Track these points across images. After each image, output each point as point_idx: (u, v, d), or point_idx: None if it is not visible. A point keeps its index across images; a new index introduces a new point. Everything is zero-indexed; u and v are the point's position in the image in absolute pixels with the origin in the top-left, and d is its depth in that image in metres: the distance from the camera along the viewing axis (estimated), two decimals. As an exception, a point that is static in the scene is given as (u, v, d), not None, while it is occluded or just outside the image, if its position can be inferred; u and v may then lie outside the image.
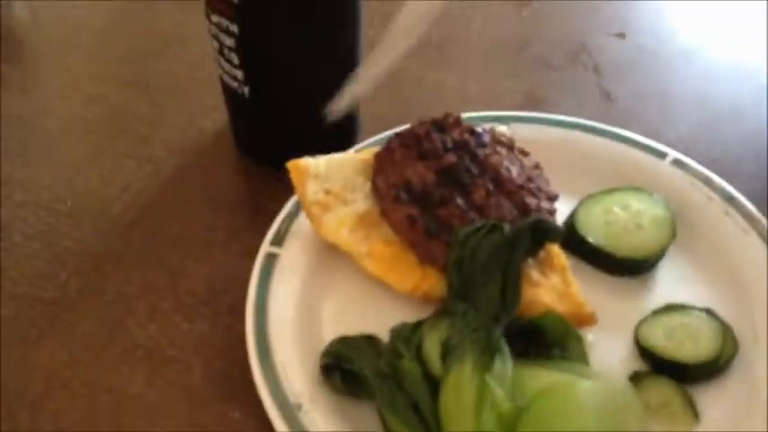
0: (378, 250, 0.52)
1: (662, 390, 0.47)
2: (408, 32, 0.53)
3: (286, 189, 0.55)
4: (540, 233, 0.50)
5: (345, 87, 0.56)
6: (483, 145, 0.55)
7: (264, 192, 0.61)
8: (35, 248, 0.59)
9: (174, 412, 0.49)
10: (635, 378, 0.48)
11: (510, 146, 0.57)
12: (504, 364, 0.44)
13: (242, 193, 0.65)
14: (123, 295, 0.56)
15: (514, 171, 0.54)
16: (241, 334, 0.50)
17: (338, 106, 0.56)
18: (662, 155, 0.60)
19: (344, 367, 0.47)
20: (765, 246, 0.53)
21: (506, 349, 0.45)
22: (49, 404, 0.49)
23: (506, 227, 0.49)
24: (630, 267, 0.53)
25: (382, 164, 0.55)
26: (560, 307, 0.49)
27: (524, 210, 0.53)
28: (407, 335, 0.47)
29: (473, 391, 0.43)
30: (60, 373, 0.51)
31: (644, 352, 0.49)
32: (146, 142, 0.67)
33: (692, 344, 0.48)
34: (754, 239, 0.54)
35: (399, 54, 0.54)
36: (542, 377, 0.44)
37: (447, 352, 0.45)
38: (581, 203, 0.56)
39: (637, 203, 0.55)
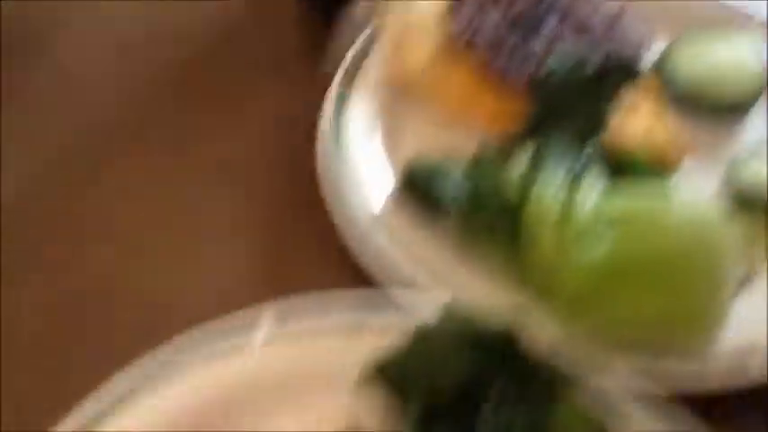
0: (457, 88, 0.50)
1: (754, 218, 0.45)
2: None
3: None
4: (626, 72, 0.48)
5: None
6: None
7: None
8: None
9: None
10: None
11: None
12: (592, 185, 0.42)
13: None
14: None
15: (596, 18, 0.52)
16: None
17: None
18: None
19: (419, 180, 0.45)
20: None
21: (595, 170, 0.43)
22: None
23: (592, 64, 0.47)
24: (722, 109, 0.51)
25: (459, 6, 0.53)
26: (650, 138, 0.47)
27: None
28: (487, 158, 0.46)
29: (557, 206, 0.41)
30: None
31: (733, 189, 0.47)
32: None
33: None
34: None
35: None
36: (630, 200, 0.41)
37: (530, 172, 0.43)
38: (672, 45, 0.53)
39: (730, 47, 0.52)
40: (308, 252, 0.47)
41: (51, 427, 0.36)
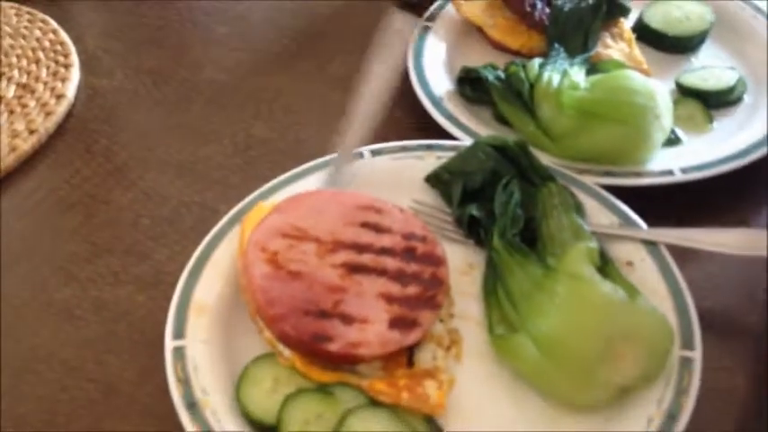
0: (500, 22, 0.78)
1: (690, 107, 0.70)
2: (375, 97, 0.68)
3: None
4: (615, 9, 0.75)
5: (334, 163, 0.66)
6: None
7: None
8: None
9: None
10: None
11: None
12: (579, 73, 0.68)
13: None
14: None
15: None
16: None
17: (332, 179, 0.65)
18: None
19: (472, 77, 0.72)
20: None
21: (583, 69, 0.69)
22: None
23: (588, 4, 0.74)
24: (679, 44, 0.76)
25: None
26: (624, 62, 0.73)
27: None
28: (516, 64, 0.71)
29: (557, 80, 0.67)
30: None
31: (681, 88, 0.72)
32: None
33: (716, 80, 0.71)
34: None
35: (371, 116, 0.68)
36: (602, 74, 0.68)
37: (541, 67, 0.69)
38: (648, 5, 0.79)
39: (687, 5, 0.78)
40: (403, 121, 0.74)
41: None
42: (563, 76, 0.67)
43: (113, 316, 0.62)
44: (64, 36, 0.85)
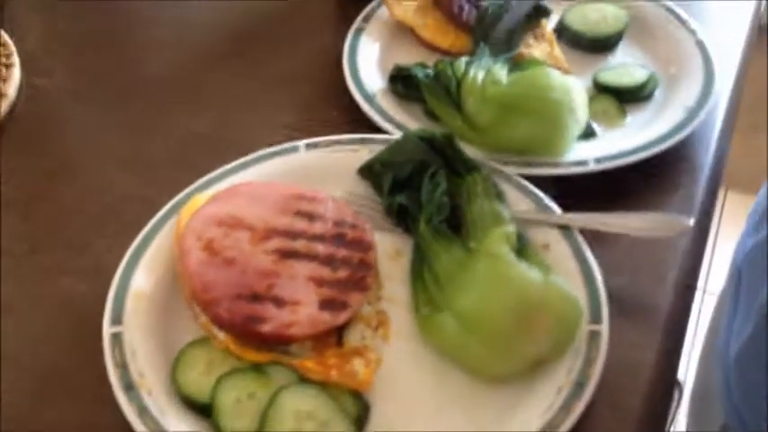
0: (430, 23, 0.82)
1: (605, 102, 0.75)
2: None
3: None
4: (537, 11, 0.79)
5: None
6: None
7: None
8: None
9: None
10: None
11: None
12: (502, 70, 0.72)
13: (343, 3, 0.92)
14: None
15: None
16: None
17: None
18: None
19: (403, 75, 0.75)
20: (692, 37, 0.80)
21: (506, 67, 0.73)
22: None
23: (514, 3, 0.78)
24: (597, 44, 0.81)
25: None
26: (545, 60, 0.77)
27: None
28: (445, 62, 0.75)
29: (481, 77, 0.71)
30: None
31: (597, 84, 0.77)
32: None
33: (629, 78, 0.76)
34: (684, 33, 0.81)
35: None
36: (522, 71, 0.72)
37: (467, 65, 0.73)
38: (569, 8, 0.84)
39: (605, 8, 0.83)
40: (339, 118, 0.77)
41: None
42: (487, 72, 0.71)
43: (54, 308, 0.64)
44: (5, 36, 0.86)
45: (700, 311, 1.60)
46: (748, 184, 1.99)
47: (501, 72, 0.72)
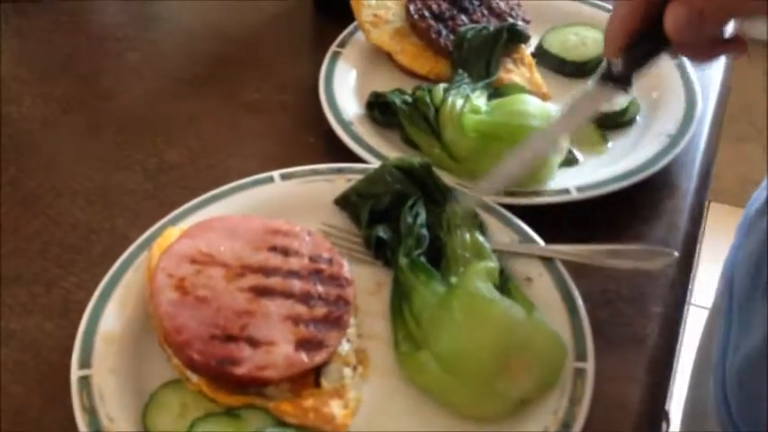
0: (407, 48, 0.80)
1: (586, 128, 0.73)
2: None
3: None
4: (515, 35, 0.77)
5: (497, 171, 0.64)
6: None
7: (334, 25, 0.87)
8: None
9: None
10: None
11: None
12: (480, 97, 0.71)
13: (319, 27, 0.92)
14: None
15: (502, 3, 0.82)
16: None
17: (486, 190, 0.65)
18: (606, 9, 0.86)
19: (380, 101, 0.74)
20: (672, 60, 0.78)
21: (485, 94, 0.72)
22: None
23: (492, 27, 0.77)
24: (576, 68, 0.80)
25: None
26: (525, 86, 0.76)
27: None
28: (423, 89, 0.74)
29: (460, 104, 0.69)
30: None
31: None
32: None
33: (610, 103, 0.72)
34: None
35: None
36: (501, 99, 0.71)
37: (446, 92, 0.72)
38: (549, 30, 0.83)
39: (584, 32, 0.82)
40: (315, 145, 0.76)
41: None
42: (465, 100, 0.70)
43: (21, 346, 0.61)
44: (-29, 63, 0.85)
45: (685, 322, 1.59)
46: (732, 195, 2.00)
47: (480, 99, 0.71)
